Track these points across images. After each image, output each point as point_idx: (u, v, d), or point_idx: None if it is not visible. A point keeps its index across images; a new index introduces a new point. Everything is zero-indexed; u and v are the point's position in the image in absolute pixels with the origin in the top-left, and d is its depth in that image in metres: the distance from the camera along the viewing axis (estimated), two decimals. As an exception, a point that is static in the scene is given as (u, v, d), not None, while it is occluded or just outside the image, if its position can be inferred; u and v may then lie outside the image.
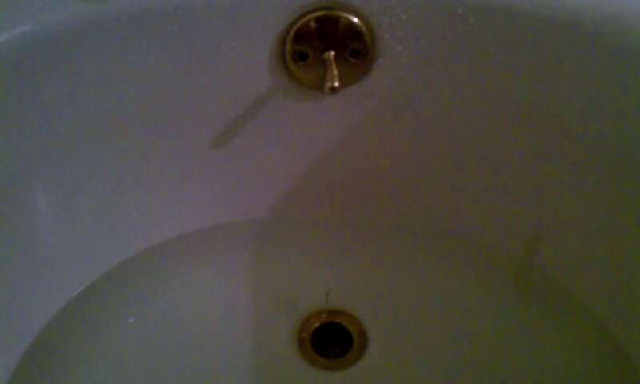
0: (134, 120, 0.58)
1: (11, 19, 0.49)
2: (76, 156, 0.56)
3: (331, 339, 0.62)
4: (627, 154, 0.52)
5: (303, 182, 0.67)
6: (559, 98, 0.54)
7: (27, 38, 0.49)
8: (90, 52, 0.52)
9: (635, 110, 0.50)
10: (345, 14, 0.54)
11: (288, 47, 0.56)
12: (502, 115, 0.58)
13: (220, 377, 0.58)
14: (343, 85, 0.57)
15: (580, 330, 0.60)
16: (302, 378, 0.59)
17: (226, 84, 0.58)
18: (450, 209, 0.66)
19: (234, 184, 0.66)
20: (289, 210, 0.69)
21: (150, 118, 0.58)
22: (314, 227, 0.70)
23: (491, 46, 0.54)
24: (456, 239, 0.67)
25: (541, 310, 0.62)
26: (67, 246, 0.60)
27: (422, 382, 0.58)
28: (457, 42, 0.55)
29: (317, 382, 0.58)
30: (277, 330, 0.62)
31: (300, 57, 0.56)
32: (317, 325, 0.62)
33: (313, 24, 0.54)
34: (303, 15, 0.54)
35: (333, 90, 0.52)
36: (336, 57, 0.55)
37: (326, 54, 0.56)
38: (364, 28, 0.54)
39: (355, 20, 0.54)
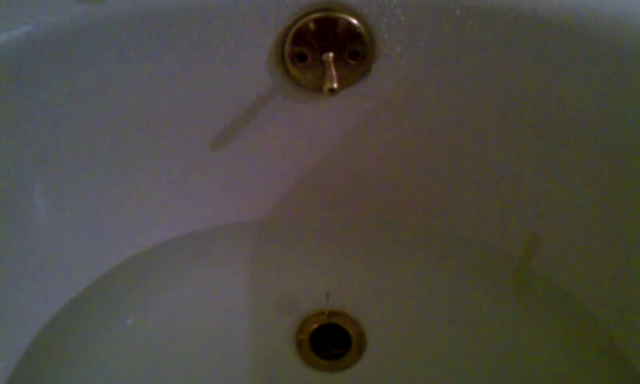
0: (134, 121, 0.58)
1: (11, 19, 0.49)
2: (75, 157, 0.57)
3: (330, 340, 0.62)
4: (627, 156, 0.52)
5: (302, 183, 0.67)
6: (558, 99, 0.54)
7: (27, 39, 0.49)
8: (90, 53, 0.52)
9: (635, 111, 0.50)
10: (344, 16, 0.54)
11: (287, 48, 0.56)
12: (501, 117, 0.58)
13: (219, 378, 0.58)
14: (342, 86, 0.57)
15: (578, 331, 0.59)
16: (301, 379, 0.59)
17: (224, 85, 0.58)
18: (449, 210, 0.66)
19: (234, 185, 0.66)
20: (288, 211, 0.69)
21: (149, 119, 0.58)
22: (313, 228, 0.70)
23: (490, 48, 0.54)
24: (455, 241, 0.67)
25: (539, 311, 0.62)
26: (66, 247, 0.60)
27: (420, 383, 0.58)
28: (455, 44, 0.55)
29: (315, 383, 0.58)
30: (276, 331, 0.62)
31: (299, 58, 0.56)
32: (315, 326, 0.62)
33: (312, 25, 0.54)
34: (302, 16, 0.54)
35: (332, 91, 0.53)
36: (335, 58, 0.56)
37: (325, 55, 0.56)
38: (363, 29, 0.54)
39: (354, 21, 0.54)
